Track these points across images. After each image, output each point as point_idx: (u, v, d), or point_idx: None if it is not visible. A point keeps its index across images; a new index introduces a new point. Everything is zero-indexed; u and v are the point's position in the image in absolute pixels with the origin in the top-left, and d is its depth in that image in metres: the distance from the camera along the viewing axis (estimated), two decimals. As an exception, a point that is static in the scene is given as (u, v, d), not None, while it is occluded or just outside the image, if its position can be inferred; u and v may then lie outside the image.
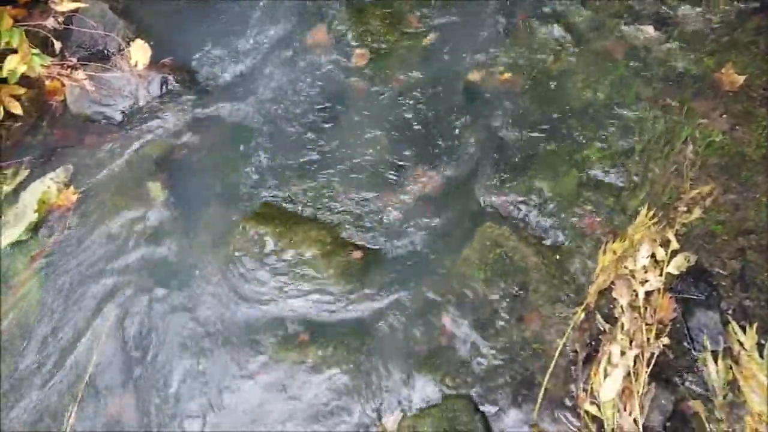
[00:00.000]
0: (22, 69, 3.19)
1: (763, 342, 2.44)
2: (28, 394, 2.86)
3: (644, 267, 2.66)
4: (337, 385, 2.75)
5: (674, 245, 2.69)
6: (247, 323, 2.93)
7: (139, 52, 3.45)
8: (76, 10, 3.51)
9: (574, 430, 2.53)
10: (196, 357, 2.88)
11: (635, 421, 2.38)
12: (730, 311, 2.60)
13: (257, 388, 2.79)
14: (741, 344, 2.47)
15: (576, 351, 2.66)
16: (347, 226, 3.12)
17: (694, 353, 2.56)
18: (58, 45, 3.34)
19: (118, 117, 3.51)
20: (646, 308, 2.59)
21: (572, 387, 2.60)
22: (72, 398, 2.82)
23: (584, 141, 3.11)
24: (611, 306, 2.70)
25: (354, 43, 3.56)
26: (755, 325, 2.48)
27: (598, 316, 2.69)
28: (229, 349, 2.88)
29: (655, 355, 2.48)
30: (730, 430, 2.38)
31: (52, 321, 3.01)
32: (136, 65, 3.45)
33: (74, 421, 2.77)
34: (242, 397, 2.78)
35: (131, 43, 3.50)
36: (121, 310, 3.00)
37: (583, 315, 2.71)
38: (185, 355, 2.89)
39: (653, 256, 2.68)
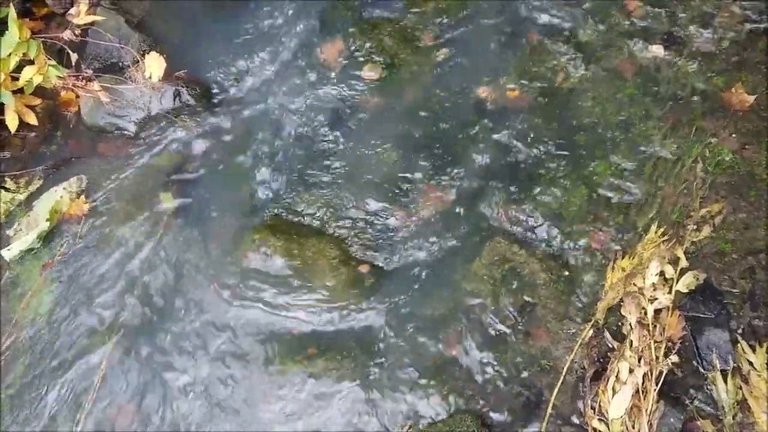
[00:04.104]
0: (38, 80, 3.23)
1: (773, 362, 2.43)
2: (35, 402, 2.87)
3: (653, 284, 2.66)
4: (344, 397, 2.75)
5: (683, 263, 2.70)
6: (255, 334, 2.93)
7: (154, 64, 3.48)
8: (92, 23, 3.56)
9: (582, 447, 2.53)
10: (203, 367, 2.88)
11: (644, 439, 2.37)
12: (739, 330, 2.59)
13: (264, 399, 2.79)
14: (751, 364, 2.46)
15: (584, 368, 2.65)
16: (356, 240, 3.13)
17: (704, 372, 2.55)
18: (74, 57, 3.38)
19: (132, 128, 3.54)
20: (655, 326, 2.58)
21: (580, 404, 2.59)
22: (80, 407, 2.83)
23: (593, 158, 3.12)
24: (620, 323, 2.70)
25: (366, 58, 3.59)
26: (765, 345, 2.47)
27: (607, 333, 2.69)
28: (236, 360, 2.88)
29: (664, 373, 2.48)
30: (740, 450, 2.37)
31: (62, 329, 3.02)
32: (150, 77, 3.48)
33: (81, 430, 2.78)
34: (248, 408, 2.78)
35: (146, 55, 3.54)
36: (130, 320, 3.01)
37: (591, 331, 2.71)
38: (192, 366, 2.89)
39: (662, 273, 2.69)
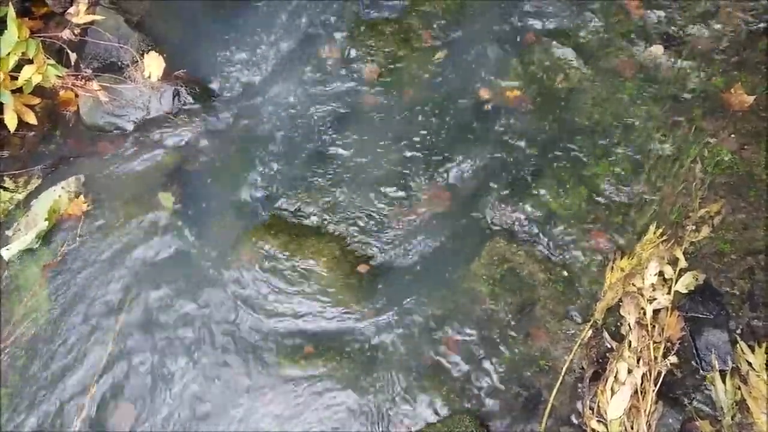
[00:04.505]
0: (38, 79, 3.23)
1: (771, 362, 2.43)
2: (35, 401, 2.87)
3: (652, 285, 2.66)
4: (342, 397, 2.75)
5: (682, 264, 2.70)
6: (253, 334, 2.93)
7: (153, 63, 3.48)
8: (91, 23, 3.56)
9: (581, 448, 2.53)
10: (202, 367, 2.88)
11: (642, 439, 2.37)
12: (738, 331, 2.59)
13: (261, 398, 2.79)
14: (749, 364, 2.45)
15: (583, 368, 2.65)
16: (355, 240, 3.13)
17: (702, 372, 2.55)
18: (73, 56, 3.38)
19: (131, 128, 3.54)
20: (653, 326, 2.58)
21: (579, 404, 2.59)
22: (78, 406, 2.83)
23: (593, 158, 3.12)
24: (619, 323, 2.70)
25: (366, 58, 3.59)
26: (764, 345, 2.47)
27: (606, 334, 2.69)
28: (234, 360, 2.88)
29: (663, 374, 2.48)
30: (738, 450, 2.37)
31: (61, 329, 3.02)
32: (149, 77, 3.48)
33: (79, 429, 2.78)
34: (246, 407, 2.78)
35: (145, 54, 3.54)
36: (130, 320, 3.01)
37: (590, 332, 2.71)
38: (191, 365, 2.89)
39: (661, 274, 2.69)
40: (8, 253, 3.19)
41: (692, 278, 2.67)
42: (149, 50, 3.60)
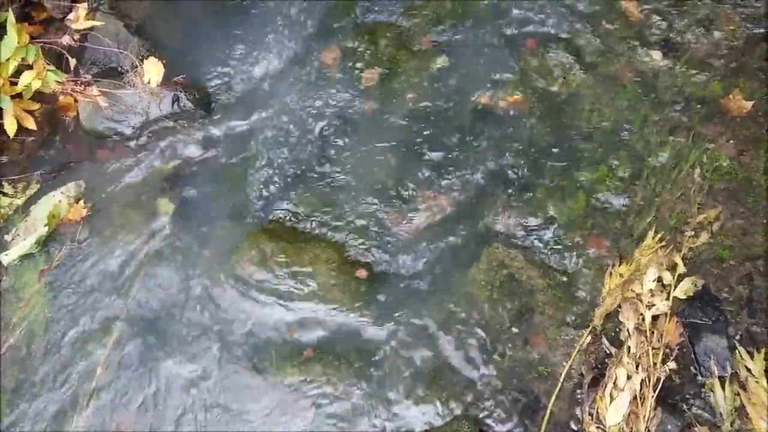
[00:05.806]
0: (37, 85, 3.23)
1: (770, 368, 2.43)
2: (32, 405, 2.87)
3: (651, 291, 2.66)
4: (341, 402, 2.74)
5: (681, 269, 2.70)
6: (252, 338, 2.93)
7: (153, 69, 3.48)
8: (91, 28, 3.56)
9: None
10: (200, 370, 2.88)
11: (641, 446, 2.37)
12: (737, 337, 2.59)
13: (260, 403, 2.79)
14: (748, 370, 2.45)
15: (582, 374, 2.65)
16: (354, 245, 3.13)
17: (701, 378, 2.55)
18: (72, 62, 3.38)
19: (130, 133, 3.54)
20: (652, 332, 2.58)
21: (578, 410, 2.59)
22: (75, 411, 2.83)
23: (592, 164, 3.12)
24: (618, 329, 2.70)
25: (365, 64, 3.59)
26: (763, 351, 2.47)
27: (605, 340, 2.69)
28: (234, 364, 2.88)
29: (662, 380, 2.48)
30: (737, 457, 2.37)
31: (58, 334, 3.02)
32: (149, 82, 3.48)
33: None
34: (245, 412, 2.77)
35: (145, 60, 3.54)
36: (127, 324, 3.01)
37: (589, 338, 2.71)
38: (188, 370, 2.89)
39: (660, 280, 2.69)
40: (7, 258, 3.20)
41: (691, 284, 2.67)
42: (149, 55, 3.59)
